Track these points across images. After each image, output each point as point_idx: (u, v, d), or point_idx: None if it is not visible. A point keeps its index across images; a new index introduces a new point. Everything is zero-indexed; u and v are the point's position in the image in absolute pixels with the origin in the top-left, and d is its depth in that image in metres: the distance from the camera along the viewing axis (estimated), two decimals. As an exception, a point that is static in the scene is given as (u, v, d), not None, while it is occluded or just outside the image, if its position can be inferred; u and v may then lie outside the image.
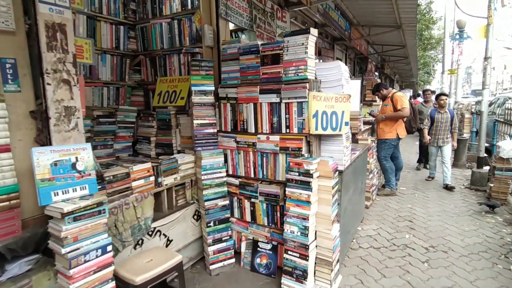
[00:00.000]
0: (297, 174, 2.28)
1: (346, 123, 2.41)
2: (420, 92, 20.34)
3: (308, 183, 2.22)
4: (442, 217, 3.89)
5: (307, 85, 2.28)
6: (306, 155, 2.39)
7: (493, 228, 3.53)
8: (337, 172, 2.40)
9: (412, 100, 15.06)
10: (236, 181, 2.74)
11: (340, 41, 6.56)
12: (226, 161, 2.80)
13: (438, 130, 4.96)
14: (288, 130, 2.44)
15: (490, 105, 8.50)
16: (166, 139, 3.01)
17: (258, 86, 2.50)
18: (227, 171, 2.80)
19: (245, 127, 2.65)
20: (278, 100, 2.42)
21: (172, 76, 3.10)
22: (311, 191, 2.22)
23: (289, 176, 2.31)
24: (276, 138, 2.48)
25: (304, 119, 2.35)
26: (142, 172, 2.30)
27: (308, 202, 2.24)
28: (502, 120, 6.13)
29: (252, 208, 2.71)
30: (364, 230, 3.51)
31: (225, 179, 2.66)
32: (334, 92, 2.41)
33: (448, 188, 4.98)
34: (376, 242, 3.23)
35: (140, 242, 2.26)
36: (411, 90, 17.93)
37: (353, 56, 8.61)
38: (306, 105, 2.30)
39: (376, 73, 13.42)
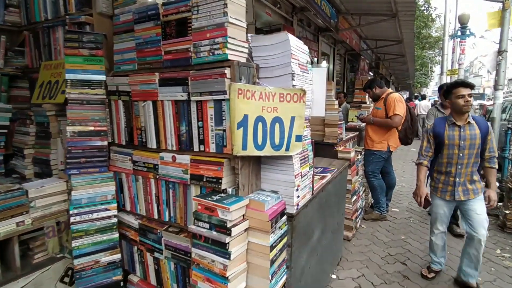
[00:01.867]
0: (207, 226, 1.31)
1: (298, 138, 1.44)
2: (417, 94, 19.51)
3: (223, 244, 1.25)
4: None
5: (227, 71, 1.30)
6: (229, 190, 1.42)
7: (515, 277, 2.60)
8: (284, 218, 1.44)
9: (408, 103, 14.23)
10: (135, 222, 1.77)
11: (326, 32, 5.63)
12: (121, 190, 1.82)
13: (453, 163, 2.32)
14: (202, 147, 1.46)
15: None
16: (44, 152, 2.02)
17: (157, 73, 1.53)
18: (123, 206, 1.82)
19: (143, 140, 1.67)
20: (185, 96, 1.45)
21: (57, 59, 2.11)
22: (229, 258, 1.25)
23: (195, 229, 1.34)
24: (185, 159, 1.50)
25: (224, 130, 1.38)
26: None
27: (224, 278, 1.27)
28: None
29: (156, 267, 1.74)
30: (340, 280, 2.55)
31: (114, 220, 1.69)
32: (279, 85, 1.44)
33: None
34: (355, 303, 2.28)
35: None
36: (407, 92, 17.06)
37: (343, 52, 7.67)
38: (228, 105, 1.33)
39: (371, 73, 12.52)
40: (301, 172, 1.55)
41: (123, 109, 1.72)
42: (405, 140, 3.86)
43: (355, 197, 3.32)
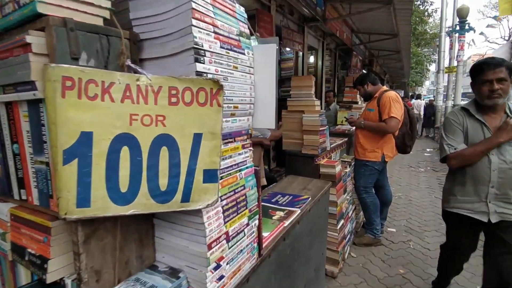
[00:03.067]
0: None
1: (210, 175, 0.74)
2: (412, 94, 18.98)
3: None
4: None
5: (35, 38, 0.60)
6: (68, 282, 0.71)
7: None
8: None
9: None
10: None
11: (312, 23, 4.95)
12: None
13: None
14: (24, 194, 0.75)
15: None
16: None
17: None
18: None
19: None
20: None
21: None
22: None
23: None
24: (3, 211, 0.79)
25: (48, 164, 0.67)
26: None
27: None
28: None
29: None
30: None
31: None
32: (171, 72, 0.75)
33: None
34: None
35: None
36: (402, 91, 16.49)
37: (333, 47, 7.00)
38: (49, 113, 0.62)
39: (364, 71, 11.89)
40: (226, 233, 0.85)
41: None
42: (403, 148, 3.19)
43: (342, 222, 2.64)
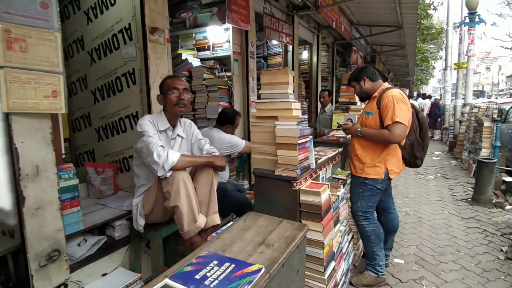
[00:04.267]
0: None
1: None
2: (417, 94, 18.04)
3: None
4: None
5: None
6: None
7: None
8: None
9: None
10: None
11: (303, 11, 4.28)
12: None
13: None
14: None
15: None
16: None
17: None
18: None
19: None
20: None
21: None
22: None
23: None
24: None
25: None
26: None
27: None
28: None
29: None
30: None
31: None
32: None
33: None
34: None
35: None
36: (407, 91, 15.70)
37: (331, 42, 6.30)
38: None
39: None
40: None
41: None
42: (412, 160, 2.51)
43: (333, 265, 1.96)
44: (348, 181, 2.57)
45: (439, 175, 6.28)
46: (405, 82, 22.14)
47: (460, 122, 7.82)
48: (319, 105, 4.57)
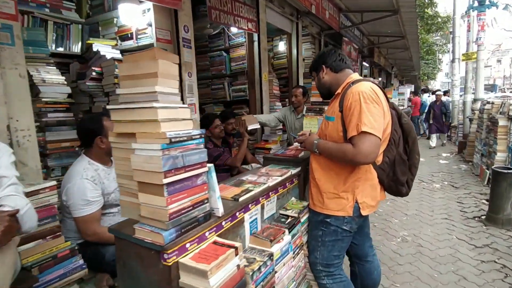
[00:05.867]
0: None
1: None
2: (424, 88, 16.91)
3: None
4: None
5: None
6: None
7: None
8: None
9: (412, 97, 11.58)
10: None
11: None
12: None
13: None
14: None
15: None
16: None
17: None
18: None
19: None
20: None
21: None
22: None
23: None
24: None
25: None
26: None
27: None
28: None
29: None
30: None
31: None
32: None
33: None
34: None
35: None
36: (412, 86, 14.64)
37: (316, 32, 5.47)
38: None
39: (366, 63, 10.25)
40: None
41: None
42: (394, 186, 1.72)
43: None
44: (303, 219, 1.77)
45: (446, 183, 5.38)
46: (411, 77, 21.01)
47: (471, 120, 6.89)
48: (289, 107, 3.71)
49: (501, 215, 3.44)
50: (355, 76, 1.67)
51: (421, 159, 7.51)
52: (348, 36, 6.20)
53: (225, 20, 2.89)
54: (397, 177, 1.64)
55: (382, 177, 1.64)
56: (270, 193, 1.64)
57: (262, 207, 1.57)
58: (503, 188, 3.39)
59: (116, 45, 2.64)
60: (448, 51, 18.95)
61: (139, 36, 2.49)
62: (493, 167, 3.61)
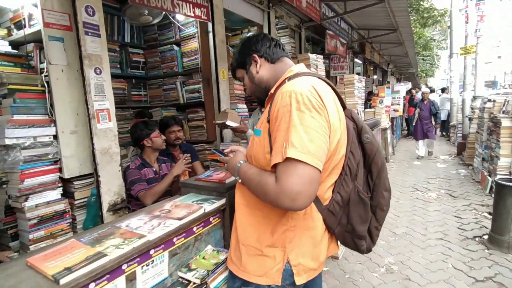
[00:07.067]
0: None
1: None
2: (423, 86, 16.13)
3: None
4: None
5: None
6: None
7: None
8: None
9: (407, 96, 10.82)
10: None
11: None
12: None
13: None
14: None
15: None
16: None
17: None
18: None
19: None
20: None
21: None
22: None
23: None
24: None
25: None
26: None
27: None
28: None
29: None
30: None
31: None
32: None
33: None
34: None
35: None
36: (409, 83, 13.99)
37: (295, 24, 4.87)
38: None
39: (358, 60, 9.62)
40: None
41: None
42: (349, 238, 1.12)
43: None
44: (216, 283, 1.18)
45: (443, 191, 4.78)
46: (409, 75, 20.36)
47: (470, 119, 6.29)
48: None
49: (506, 237, 2.84)
50: (297, 68, 1.09)
51: (416, 163, 6.92)
52: (333, 29, 5.60)
53: (158, 3, 2.30)
54: (352, 226, 1.05)
55: (330, 224, 1.05)
56: (154, 251, 1.05)
57: (130, 280, 0.98)
58: (508, 204, 2.80)
59: (11, 35, 2.07)
60: (446, 47, 18.30)
61: (31, 23, 1.92)
62: (496, 179, 3.01)
